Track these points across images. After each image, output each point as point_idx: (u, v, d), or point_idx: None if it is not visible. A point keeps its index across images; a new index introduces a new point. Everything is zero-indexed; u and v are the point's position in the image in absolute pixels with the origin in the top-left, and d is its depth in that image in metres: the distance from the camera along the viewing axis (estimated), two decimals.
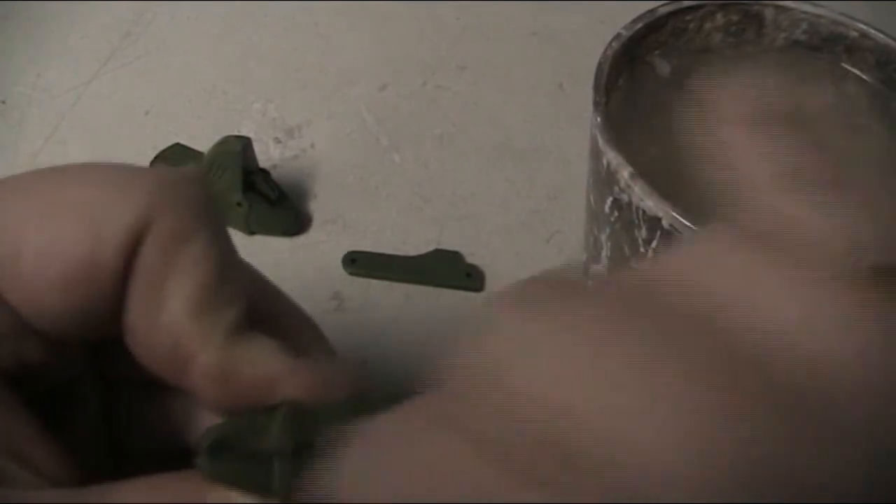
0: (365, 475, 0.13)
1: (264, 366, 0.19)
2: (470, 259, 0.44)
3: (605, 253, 0.37)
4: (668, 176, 0.33)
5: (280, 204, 0.44)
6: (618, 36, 0.37)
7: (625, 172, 0.32)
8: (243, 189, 0.43)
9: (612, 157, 0.32)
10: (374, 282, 0.43)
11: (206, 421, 0.20)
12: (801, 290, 0.14)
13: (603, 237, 0.36)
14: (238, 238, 0.44)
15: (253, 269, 0.22)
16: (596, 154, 0.34)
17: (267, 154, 0.49)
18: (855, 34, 0.39)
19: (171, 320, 0.18)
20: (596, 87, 0.35)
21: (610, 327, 0.14)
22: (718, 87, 0.17)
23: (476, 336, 0.14)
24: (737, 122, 0.17)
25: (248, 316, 0.19)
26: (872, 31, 0.38)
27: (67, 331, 0.19)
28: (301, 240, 0.45)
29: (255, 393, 0.19)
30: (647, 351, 0.13)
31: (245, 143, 0.43)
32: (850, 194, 0.16)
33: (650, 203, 0.31)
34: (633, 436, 0.12)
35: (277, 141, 0.50)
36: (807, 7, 0.39)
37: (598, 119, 0.34)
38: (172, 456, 0.20)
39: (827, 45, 0.40)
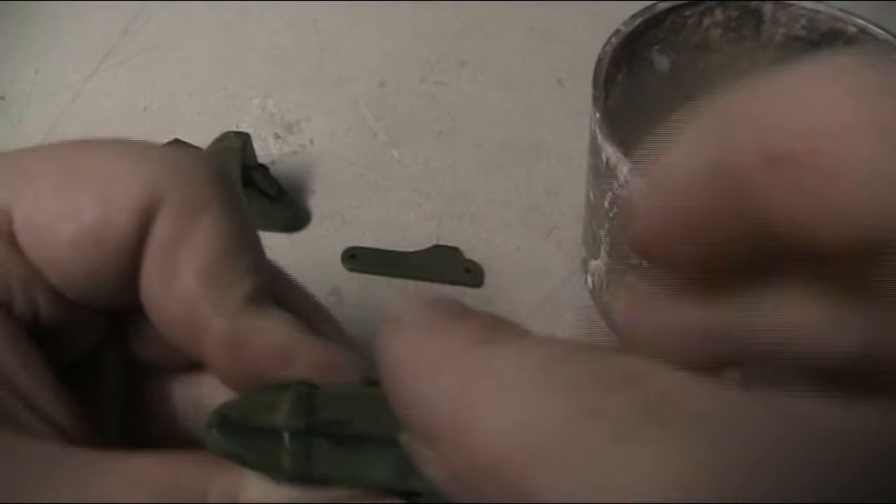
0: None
1: (278, 336, 0.19)
2: (469, 255, 0.44)
3: (604, 248, 0.37)
4: None
5: (279, 200, 0.44)
6: (617, 32, 0.37)
7: (624, 168, 0.32)
8: (242, 185, 0.43)
9: (611, 152, 0.32)
10: (373, 278, 0.43)
11: (216, 403, 0.20)
12: None
13: (602, 233, 0.37)
14: None
15: (270, 260, 0.22)
16: (595, 149, 0.35)
17: (266, 150, 0.49)
18: (853, 30, 0.39)
19: (185, 289, 0.18)
20: (595, 82, 0.35)
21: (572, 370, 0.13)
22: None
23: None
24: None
25: (264, 291, 0.19)
26: (871, 27, 0.38)
27: (79, 291, 0.19)
28: (300, 236, 0.45)
29: (268, 363, 0.19)
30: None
31: (244, 139, 0.43)
32: None
33: None
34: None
35: (276, 137, 0.50)
36: (805, 3, 0.39)
37: (597, 114, 0.34)
38: (185, 443, 0.20)
39: (826, 41, 0.40)
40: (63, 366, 0.20)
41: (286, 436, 0.17)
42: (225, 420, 0.17)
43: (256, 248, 0.20)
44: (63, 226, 0.18)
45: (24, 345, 0.18)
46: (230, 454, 0.17)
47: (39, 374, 0.18)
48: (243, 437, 0.17)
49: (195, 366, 0.21)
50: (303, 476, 0.17)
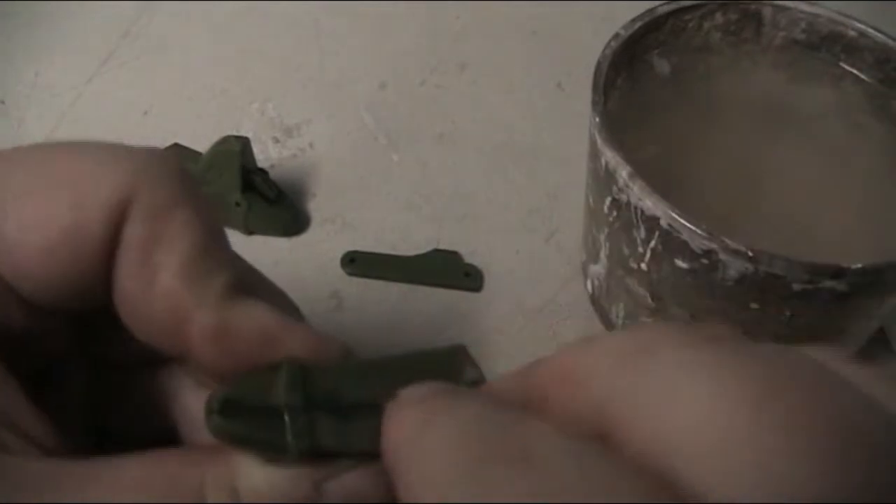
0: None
1: (264, 321, 0.19)
2: (469, 259, 0.44)
3: (603, 252, 0.37)
4: (667, 176, 0.33)
5: (279, 203, 0.44)
6: (617, 35, 0.37)
7: (623, 172, 0.32)
8: (242, 189, 0.43)
9: (610, 156, 0.32)
10: (372, 281, 0.43)
11: (191, 401, 0.21)
12: None
13: (601, 237, 0.36)
14: (237, 238, 0.44)
15: (243, 259, 0.22)
16: (594, 154, 0.34)
17: (265, 154, 0.49)
18: (853, 33, 0.39)
19: (165, 287, 0.18)
20: (595, 86, 0.35)
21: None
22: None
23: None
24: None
25: (240, 282, 0.19)
26: (871, 31, 0.38)
27: (52, 299, 0.19)
28: (300, 239, 0.45)
29: (255, 349, 0.19)
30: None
31: (244, 143, 0.43)
32: None
33: (649, 203, 0.31)
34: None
35: (276, 140, 0.50)
36: (805, 6, 0.39)
37: (597, 118, 0.34)
38: (155, 438, 0.20)
39: (825, 44, 0.40)
40: (28, 373, 0.19)
41: (286, 413, 0.17)
42: (226, 403, 0.17)
43: (226, 242, 0.20)
44: (34, 236, 0.18)
45: None
46: (235, 436, 0.17)
47: (14, 392, 0.18)
48: (246, 418, 0.17)
49: (166, 360, 0.21)
50: (307, 450, 0.17)
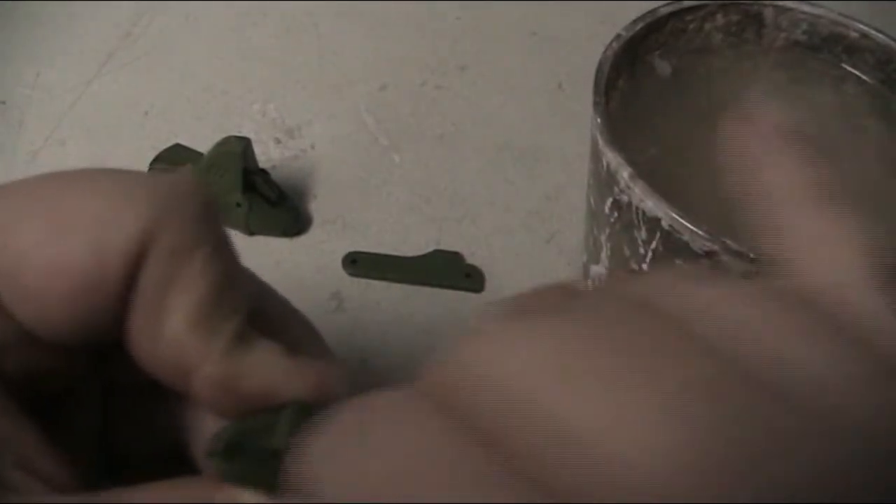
0: (341, 459, 0.13)
1: (265, 375, 0.19)
2: (470, 259, 0.44)
3: (604, 254, 0.37)
4: (668, 177, 0.33)
5: (280, 204, 0.44)
6: (618, 36, 0.37)
7: (624, 173, 0.32)
8: (243, 189, 0.43)
9: (611, 157, 0.32)
10: (373, 282, 0.43)
11: (205, 422, 0.21)
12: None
13: (603, 238, 0.36)
14: (238, 238, 0.44)
15: (249, 270, 0.22)
16: (596, 155, 0.34)
17: (267, 154, 0.49)
18: (855, 34, 0.39)
19: (173, 334, 0.18)
20: (596, 87, 0.35)
21: (600, 335, 0.14)
22: (753, 107, 0.17)
23: (467, 337, 0.14)
24: (774, 137, 0.17)
25: (250, 319, 0.19)
26: (872, 32, 0.38)
27: (72, 339, 0.19)
28: (301, 240, 0.45)
29: (257, 400, 0.19)
30: (635, 359, 0.13)
31: (245, 144, 0.43)
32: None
33: (650, 204, 0.31)
34: (621, 446, 0.12)
35: (277, 141, 0.50)
36: (806, 7, 0.39)
37: (598, 120, 0.34)
38: (170, 457, 0.20)
39: (827, 46, 0.40)
40: (40, 398, 0.19)
41: (286, 455, 0.18)
42: (230, 445, 0.18)
43: (244, 279, 0.20)
44: (54, 282, 0.18)
45: (13, 406, 0.18)
46: (238, 478, 0.18)
47: (26, 430, 0.18)
48: (248, 460, 0.18)
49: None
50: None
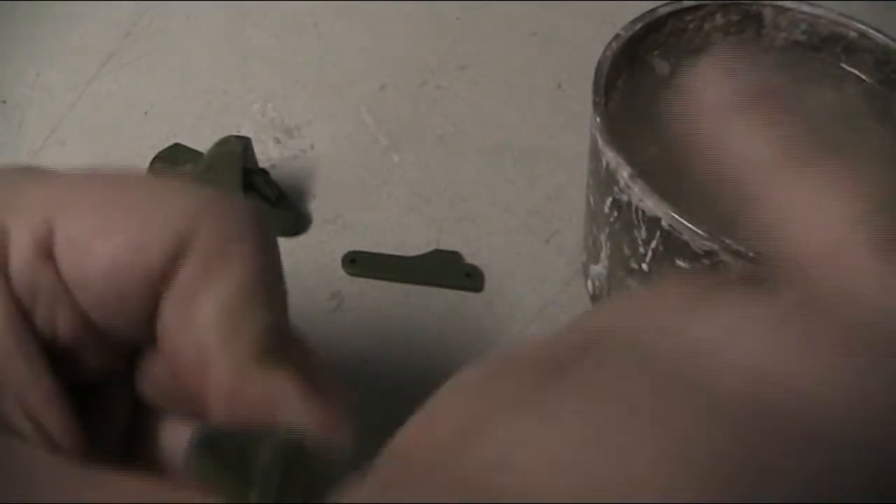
0: None
1: (273, 391, 0.19)
2: (469, 259, 0.44)
3: (604, 253, 0.37)
4: (667, 176, 0.33)
5: (280, 204, 0.44)
6: (617, 36, 0.37)
7: (624, 173, 0.32)
8: (243, 189, 0.43)
9: (611, 157, 0.32)
10: (373, 282, 0.43)
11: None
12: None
13: (602, 237, 0.37)
14: None
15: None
16: (595, 154, 0.35)
17: (266, 154, 0.49)
18: (854, 34, 0.39)
19: (198, 330, 0.19)
20: (595, 87, 0.35)
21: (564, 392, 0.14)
22: (696, 76, 0.17)
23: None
24: (718, 111, 0.17)
25: (275, 340, 0.20)
26: (871, 32, 0.38)
27: (105, 314, 0.20)
28: (300, 240, 0.45)
29: (257, 412, 0.19)
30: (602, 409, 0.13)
31: (244, 144, 0.43)
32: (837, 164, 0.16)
33: (649, 203, 0.31)
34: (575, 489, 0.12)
35: (277, 141, 0.50)
36: (806, 7, 0.39)
37: (598, 119, 0.34)
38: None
39: (826, 46, 0.40)
40: (70, 388, 0.20)
41: (259, 477, 0.18)
42: (206, 440, 0.18)
43: (278, 291, 0.21)
44: (101, 247, 0.19)
45: (35, 355, 0.19)
46: (203, 473, 0.18)
47: (46, 386, 0.19)
48: (220, 462, 0.18)
49: (195, 414, 0.21)
50: None
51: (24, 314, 0.19)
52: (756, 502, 0.12)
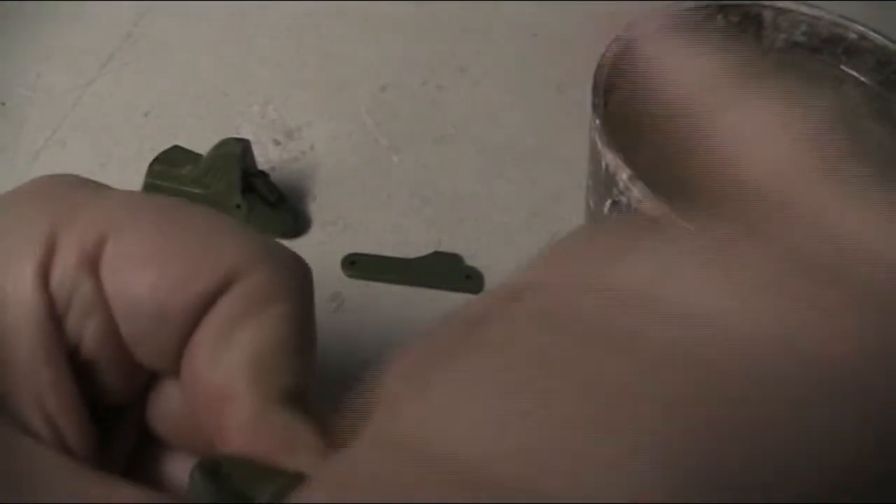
0: None
1: (292, 434, 0.19)
2: (469, 261, 0.44)
3: None
4: (667, 178, 0.33)
5: (279, 206, 0.44)
6: (617, 38, 0.37)
7: (624, 174, 0.32)
8: (242, 191, 0.43)
9: (610, 159, 0.32)
10: (373, 284, 0.43)
11: None
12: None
13: None
14: None
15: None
16: (595, 156, 0.35)
17: (266, 156, 0.49)
18: (854, 36, 0.39)
19: (230, 366, 0.19)
20: (595, 89, 0.35)
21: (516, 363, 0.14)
22: (671, 53, 0.17)
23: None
24: (697, 89, 0.17)
25: (300, 396, 0.20)
26: (871, 33, 0.38)
27: (136, 332, 0.20)
28: (300, 241, 0.45)
29: (272, 452, 0.19)
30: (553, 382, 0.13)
31: (244, 145, 0.43)
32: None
33: (649, 205, 0.31)
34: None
35: (277, 143, 0.50)
36: (806, 8, 0.39)
37: (597, 121, 0.34)
38: None
39: (826, 47, 0.40)
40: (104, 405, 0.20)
41: None
42: (213, 467, 0.18)
43: (310, 356, 0.21)
44: (152, 268, 0.19)
45: (59, 358, 0.19)
46: (202, 498, 0.18)
47: (67, 391, 0.19)
48: (221, 490, 0.18)
49: (202, 453, 0.21)
50: None
51: (56, 318, 0.19)
52: (695, 448, 0.12)
